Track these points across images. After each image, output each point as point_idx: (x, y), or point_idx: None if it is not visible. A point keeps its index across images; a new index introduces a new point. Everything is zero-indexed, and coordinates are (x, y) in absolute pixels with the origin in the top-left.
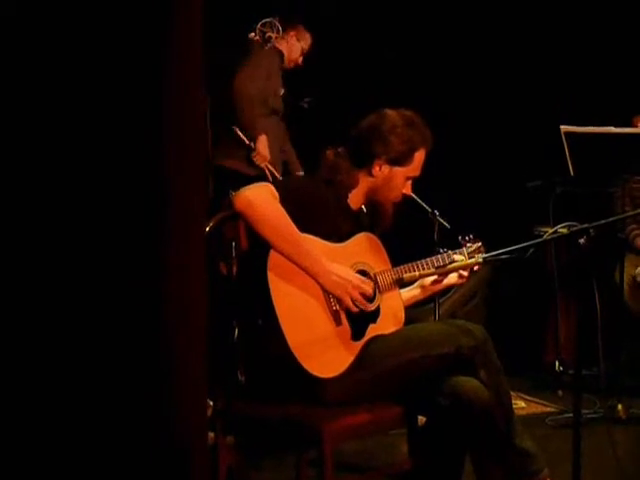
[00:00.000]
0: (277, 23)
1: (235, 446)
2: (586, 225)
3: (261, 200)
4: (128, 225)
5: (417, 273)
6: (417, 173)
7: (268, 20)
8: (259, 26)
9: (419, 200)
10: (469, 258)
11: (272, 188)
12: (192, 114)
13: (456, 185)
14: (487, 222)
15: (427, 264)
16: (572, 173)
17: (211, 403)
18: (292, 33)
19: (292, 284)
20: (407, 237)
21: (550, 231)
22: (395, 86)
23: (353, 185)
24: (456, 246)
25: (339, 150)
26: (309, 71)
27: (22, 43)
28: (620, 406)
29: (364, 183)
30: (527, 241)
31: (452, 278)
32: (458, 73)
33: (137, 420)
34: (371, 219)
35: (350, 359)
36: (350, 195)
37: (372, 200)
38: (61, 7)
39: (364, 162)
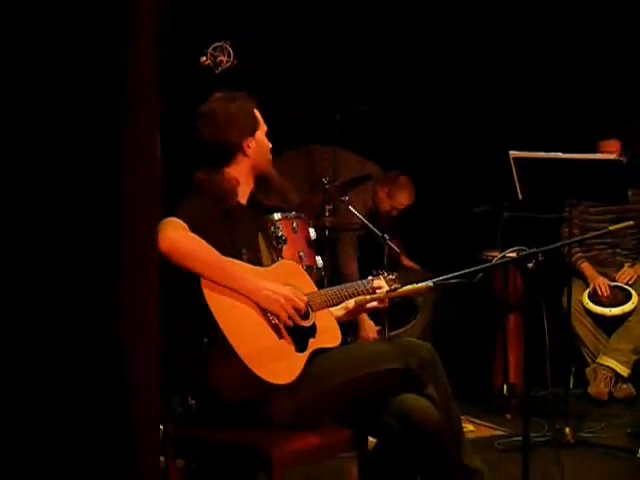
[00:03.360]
0: (228, 47)
1: (185, 470)
2: (534, 250)
3: (181, 236)
4: (81, 253)
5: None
6: (265, 126)
7: (219, 44)
8: (210, 50)
9: (370, 225)
10: (388, 285)
11: (179, 220)
12: (148, 145)
13: (405, 210)
14: (435, 247)
15: (347, 290)
16: (520, 198)
17: (161, 427)
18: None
19: (231, 300)
20: (359, 260)
21: (499, 256)
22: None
23: (237, 184)
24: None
25: (202, 171)
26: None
27: None
28: (568, 430)
29: (243, 168)
30: (475, 266)
31: (373, 304)
32: (406, 94)
33: (89, 443)
34: (279, 200)
35: (299, 368)
36: (238, 193)
37: (259, 179)
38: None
39: (234, 154)
